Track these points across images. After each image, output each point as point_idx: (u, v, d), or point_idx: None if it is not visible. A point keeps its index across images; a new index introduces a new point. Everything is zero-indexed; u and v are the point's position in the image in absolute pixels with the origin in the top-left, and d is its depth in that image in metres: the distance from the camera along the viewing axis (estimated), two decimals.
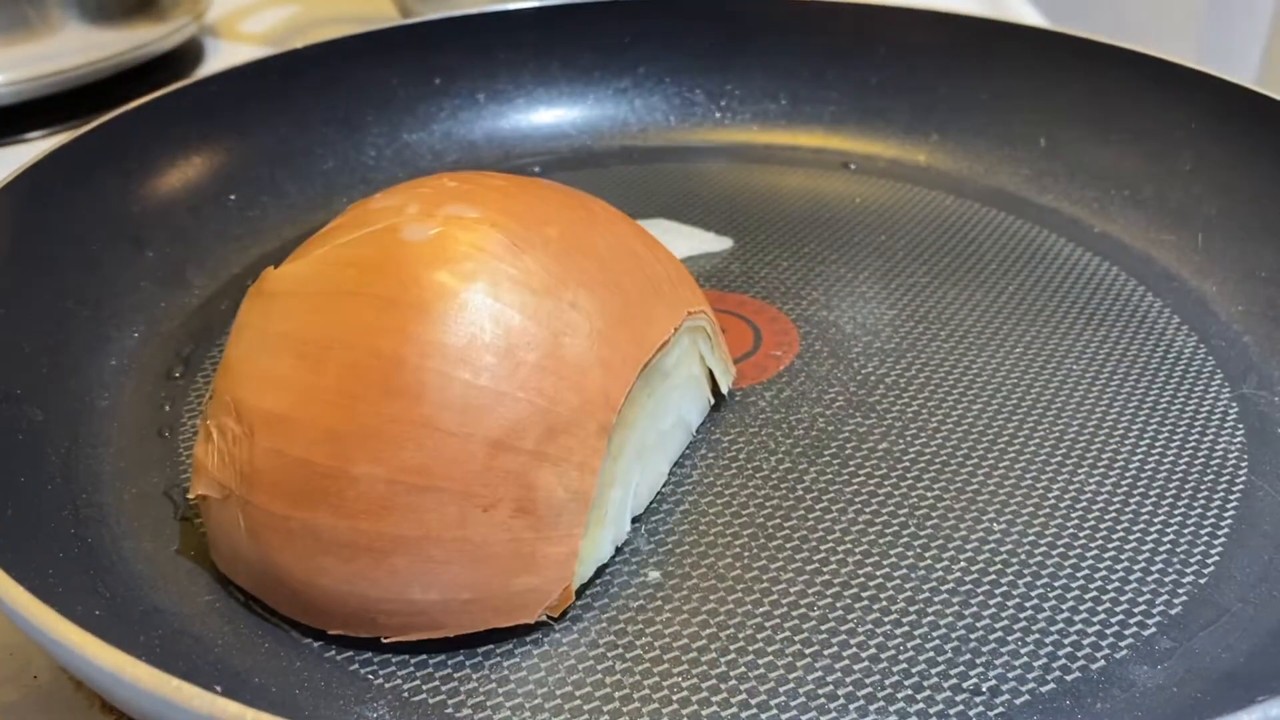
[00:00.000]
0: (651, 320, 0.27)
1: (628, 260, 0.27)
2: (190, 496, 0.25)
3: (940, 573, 0.27)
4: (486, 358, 0.23)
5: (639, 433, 0.27)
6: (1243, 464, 0.30)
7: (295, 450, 0.23)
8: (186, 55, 0.63)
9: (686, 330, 0.29)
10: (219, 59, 0.63)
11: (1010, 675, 0.24)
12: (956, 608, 0.26)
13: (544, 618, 0.25)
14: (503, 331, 0.24)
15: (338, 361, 0.23)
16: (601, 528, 0.26)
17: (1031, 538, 0.28)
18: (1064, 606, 0.26)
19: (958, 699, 0.23)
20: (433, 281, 0.24)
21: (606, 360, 0.25)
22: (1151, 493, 0.29)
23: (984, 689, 0.24)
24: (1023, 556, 0.27)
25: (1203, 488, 0.29)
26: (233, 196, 0.41)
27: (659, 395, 0.28)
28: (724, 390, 0.32)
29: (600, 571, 0.27)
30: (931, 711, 0.23)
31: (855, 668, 0.24)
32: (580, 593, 0.26)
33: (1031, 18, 0.64)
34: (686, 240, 0.41)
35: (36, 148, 0.51)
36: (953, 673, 0.24)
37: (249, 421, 0.24)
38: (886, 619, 0.25)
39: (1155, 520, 0.28)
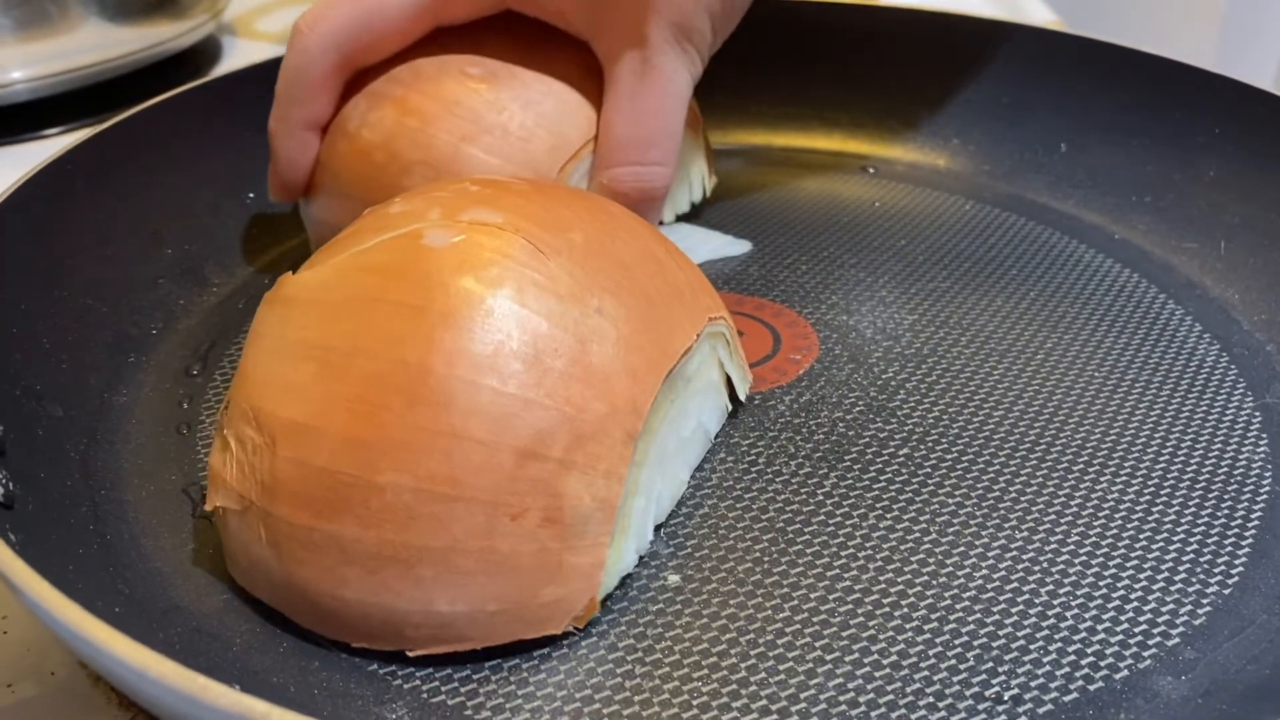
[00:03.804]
0: (675, 327, 0.26)
1: (650, 266, 0.27)
2: (207, 508, 0.25)
3: (961, 580, 0.26)
4: (514, 365, 0.23)
5: (661, 440, 0.27)
6: (1266, 474, 0.30)
7: (318, 460, 0.23)
8: (204, 53, 0.63)
9: (706, 336, 0.28)
10: (236, 57, 0.63)
11: (1033, 685, 0.24)
12: (978, 616, 0.25)
13: (570, 629, 0.24)
14: (530, 338, 0.23)
15: (361, 370, 0.23)
16: (626, 537, 0.26)
17: (1054, 546, 0.27)
18: (1086, 615, 0.26)
19: (980, 708, 0.23)
20: (459, 288, 0.24)
21: (633, 367, 0.25)
22: (1174, 502, 0.29)
23: (1006, 698, 0.24)
24: (1045, 564, 0.27)
25: (1226, 497, 0.29)
26: (251, 194, 0.41)
27: (681, 402, 0.28)
28: (741, 396, 0.32)
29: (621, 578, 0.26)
30: None
31: (876, 675, 0.24)
32: (601, 600, 0.26)
33: (1045, 17, 0.64)
34: (705, 243, 0.41)
35: (55, 144, 0.51)
36: (974, 681, 0.24)
37: (270, 431, 0.24)
38: (908, 626, 0.25)
39: (1178, 530, 0.28)
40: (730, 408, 0.31)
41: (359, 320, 0.24)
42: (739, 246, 0.41)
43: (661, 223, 0.40)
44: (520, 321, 0.24)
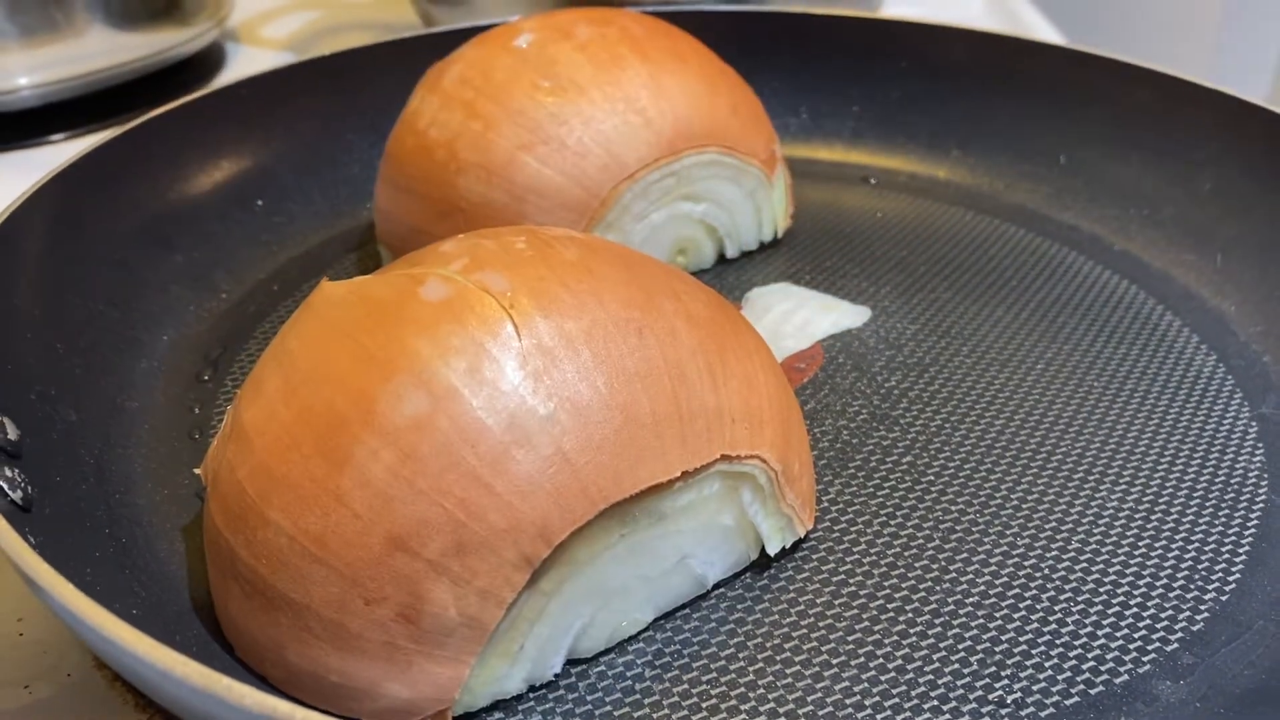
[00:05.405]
0: (649, 456, 0.23)
1: (663, 382, 0.23)
2: (197, 470, 0.26)
3: (965, 586, 0.27)
4: (422, 446, 0.21)
5: (598, 574, 0.24)
6: (1263, 483, 0.30)
7: (241, 471, 0.23)
8: (208, 59, 0.63)
9: (719, 475, 0.25)
10: (240, 64, 0.63)
11: (1035, 689, 0.24)
12: (981, 621, 0.26)
13: None
14: (449, 422, 0.22)
15: (303, 399, 0.23)
16: (510, 662, 0.23)
17: (1054, 552, 0.28)
18: (1087, 621, 0.26)
19: (983, 711, 0.24)
20: (409, 349, 0.22)
21: (561, 488, 0.22)
22: (1173, 510, 0.29)
23: (1009, 702, 0.24)
24: (1046, 571, 0.27)
25: (1223, 506, 0.30)
26: (260, 202, 0.42)
27: (644, 538, 0.24)
28: (770, 550, 0.27)
29: None
30: None
31: (881, 679, 0.24)
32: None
33: (1044, 30, 0.65)
34: (826, 316, 0.38)
35: (60, 150, 0.52)
36: (978, 685, 0.24)
37: (232, 424, 0.24)
38: (911, 631, 0.26)
39: (1176, 537, 0.28)
40: (754, 557, 0.27)
41: (327, 348, 0.23)
42: (859, 315, 0.38)
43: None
44: (449, 401, 0.22)
